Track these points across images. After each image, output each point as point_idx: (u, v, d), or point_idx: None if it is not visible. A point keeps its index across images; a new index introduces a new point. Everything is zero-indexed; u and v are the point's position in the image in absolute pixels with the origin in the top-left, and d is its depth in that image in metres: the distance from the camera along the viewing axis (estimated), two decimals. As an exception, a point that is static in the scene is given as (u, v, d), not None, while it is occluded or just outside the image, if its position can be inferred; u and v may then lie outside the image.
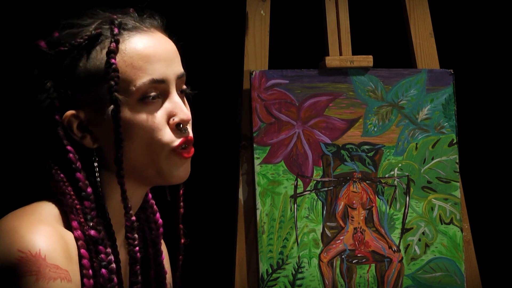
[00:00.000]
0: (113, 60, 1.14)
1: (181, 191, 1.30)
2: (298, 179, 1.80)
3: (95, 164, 1.16)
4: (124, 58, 1.16)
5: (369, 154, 1.83)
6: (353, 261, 1.80)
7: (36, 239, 1.04)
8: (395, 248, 1.82)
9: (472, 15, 2.29)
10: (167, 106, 1.18)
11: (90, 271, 1.11)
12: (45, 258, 1.02)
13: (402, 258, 1.82)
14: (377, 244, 1.81)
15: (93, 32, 1.17)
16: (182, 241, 1.32)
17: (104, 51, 1.16)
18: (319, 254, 1.79)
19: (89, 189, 1.14)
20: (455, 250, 1.84)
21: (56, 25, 1.21)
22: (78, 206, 1.13)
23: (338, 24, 1.85)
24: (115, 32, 1.17)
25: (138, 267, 1.21)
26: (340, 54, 1.84)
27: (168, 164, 1.18)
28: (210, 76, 2.04)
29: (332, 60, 1.82)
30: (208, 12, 2.13)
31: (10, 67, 1.85)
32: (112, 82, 1.14)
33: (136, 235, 1.20)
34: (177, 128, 1.18)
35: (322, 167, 1.81)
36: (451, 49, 2.13)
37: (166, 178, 1.19)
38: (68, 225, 1.13)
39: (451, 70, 1.87)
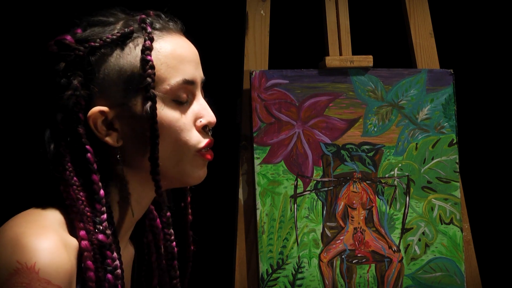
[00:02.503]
0: (149, 57, 1.15)
1: (189, 199, 1.31)
2: (298, 179, 1.80)
3: (120, 162, 1.16)
4: (159, 56, 1.17)
5: (369, 154, 1.83)
6: (353, 261, 1.80)
7: (35, 251, 1.03)
8: (395, 248, 1.82)
9: (472, 15, 2.29)
10: (194, 107, 1.20)
11: (94, 284, 1.10)
12: (38, 272, 1.02)
13: (402, 258, 1.82)
14: (377, 244, 1.81)
15: (126, 29, 1.17)
16: (192, 248, 1.33)
17: (138, 48, 1.16)
18: (319, 254, 1.79)
19: (102, 192, 1.14)
20: (455, 250, 1.84)
21: (71, 23, 1.21)
22: (89, 214, 1.12)
23: (338, 24, 1.85)
24: (148, 30, 1.17)
25: (175, 262, 1.22)
26: (340, 54, 1.84)
27: (191, 165, 1.19)
28: (210, 76, 2.04)
29: (332, 60, 1.82)
30: (208, 12, 2.13)
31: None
32: (149, 79, 1.14)
33: (172, 231, 1.21)
34: (203, 130, 1.20)
35: (322, 167, 1.81)
36: (451, 49, 2.14)
37: (186, 178, 1.20)
38: (73, 232, 1.12)
39: (451, 70, 1.87)
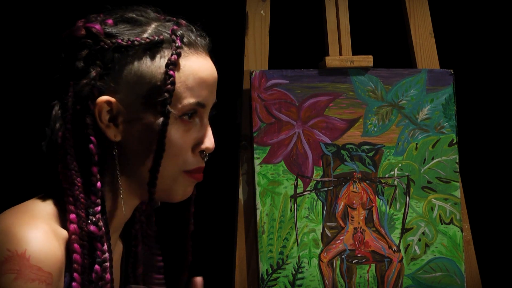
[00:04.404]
0: (172, 73, 1.15)
1: (193, 209, 1.30)
2: (298, 179, 1.79)
3: (116, 158, 1.16)
4: (180, 74, 1.17)
5: (369, 154, 1.83)
6: (353, 261, 1.80)
7: (25, 239, 1.04)
8: (395, 248, 1.82)
9: (472, 15, 2.29)
10: (197, 130, 1.20)
11: (80, 267, 1.10)
12: (29, 258, 1.02)
13: (402, 258, 1.82)
14: (377, 244, 1.81)
15: (156, 37, 1.16)
16: (190, 258, 1.32)
17: (163, 60, 1.16)
18: (319, 254, 1.79)
19: (99, 184, 1.14)
20: (455, 250, 1.84)
21: (101, 7, 1.20)
22: (82, 200, 1.13)
23: (338, 24, 1.85)
24: (177, 45, 1.17)
25: (141, 267, 1.22)
26: (340, 54, 1.84)
27: (176, 184, 1.19)
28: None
29: (332, 60, 1.82)
30: (208, 12, 2.12)
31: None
32: (167, 95, 1.14)
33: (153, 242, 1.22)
34: (199, 154, 1.20)
35: (322, 167, 1.81)
36: (451, 49, 2.13)
37: (170, 196, 1.21)
38: (64, 223, 1.12)
39: (451, 70, 1.87)
